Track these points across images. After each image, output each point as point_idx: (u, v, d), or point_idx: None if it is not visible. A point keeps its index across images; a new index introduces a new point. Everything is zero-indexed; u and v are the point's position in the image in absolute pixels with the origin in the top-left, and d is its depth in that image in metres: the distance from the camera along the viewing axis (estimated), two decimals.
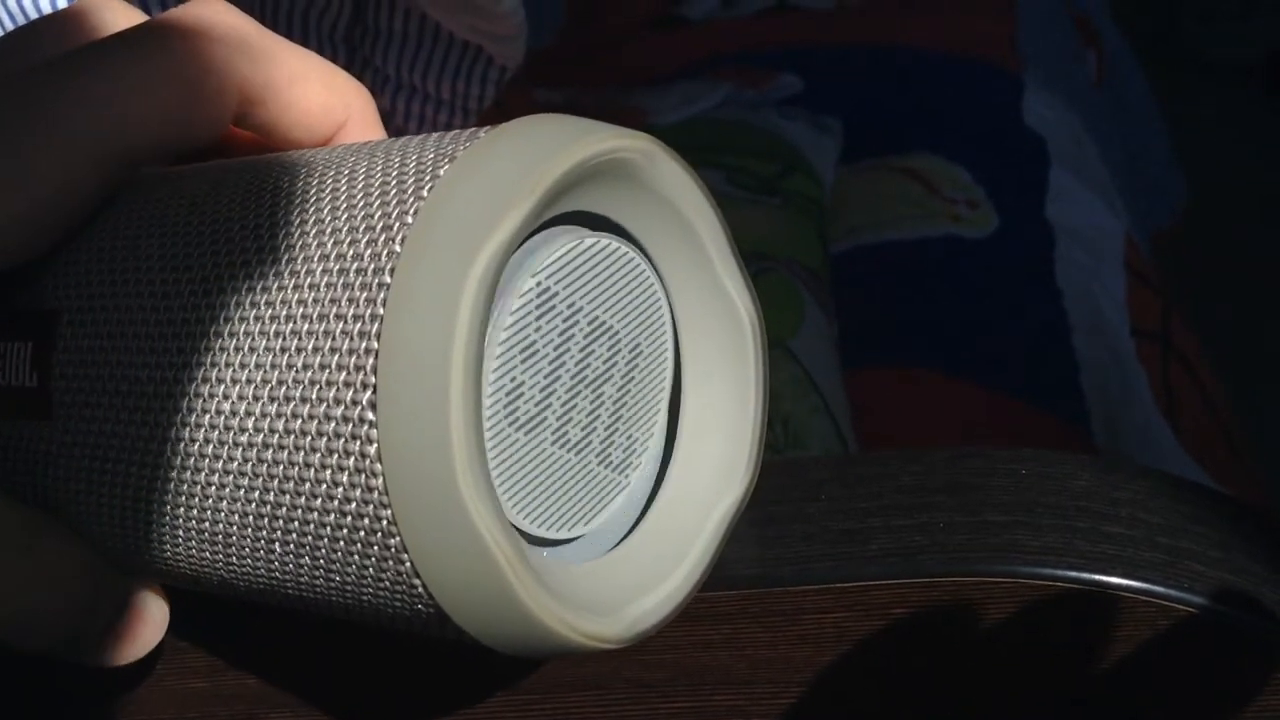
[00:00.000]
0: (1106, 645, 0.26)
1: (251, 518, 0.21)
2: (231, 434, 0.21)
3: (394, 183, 0.21)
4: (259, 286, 0.21)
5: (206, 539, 0.22)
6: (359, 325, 0.20)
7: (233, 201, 0.23)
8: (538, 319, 0.21)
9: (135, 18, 0.26)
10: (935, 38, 0.95)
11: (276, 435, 0.20)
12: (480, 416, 0.19)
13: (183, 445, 0.22)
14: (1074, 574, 0.26)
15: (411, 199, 0.20)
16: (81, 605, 0.24)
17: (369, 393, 0.19)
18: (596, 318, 0.22)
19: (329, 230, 0.21)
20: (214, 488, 0.21)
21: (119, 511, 0.23)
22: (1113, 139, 1.02)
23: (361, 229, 0.20)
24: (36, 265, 0.24)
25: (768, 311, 0.24)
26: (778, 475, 0.28)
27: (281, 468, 0.20)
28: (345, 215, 0.21)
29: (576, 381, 0.22)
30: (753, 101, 0.86)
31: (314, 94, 0.25)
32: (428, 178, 0.20)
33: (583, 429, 0.22)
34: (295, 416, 0.20)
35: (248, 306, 0.21)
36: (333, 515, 0.20)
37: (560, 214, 0.21)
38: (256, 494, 0.21)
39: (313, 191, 0.22)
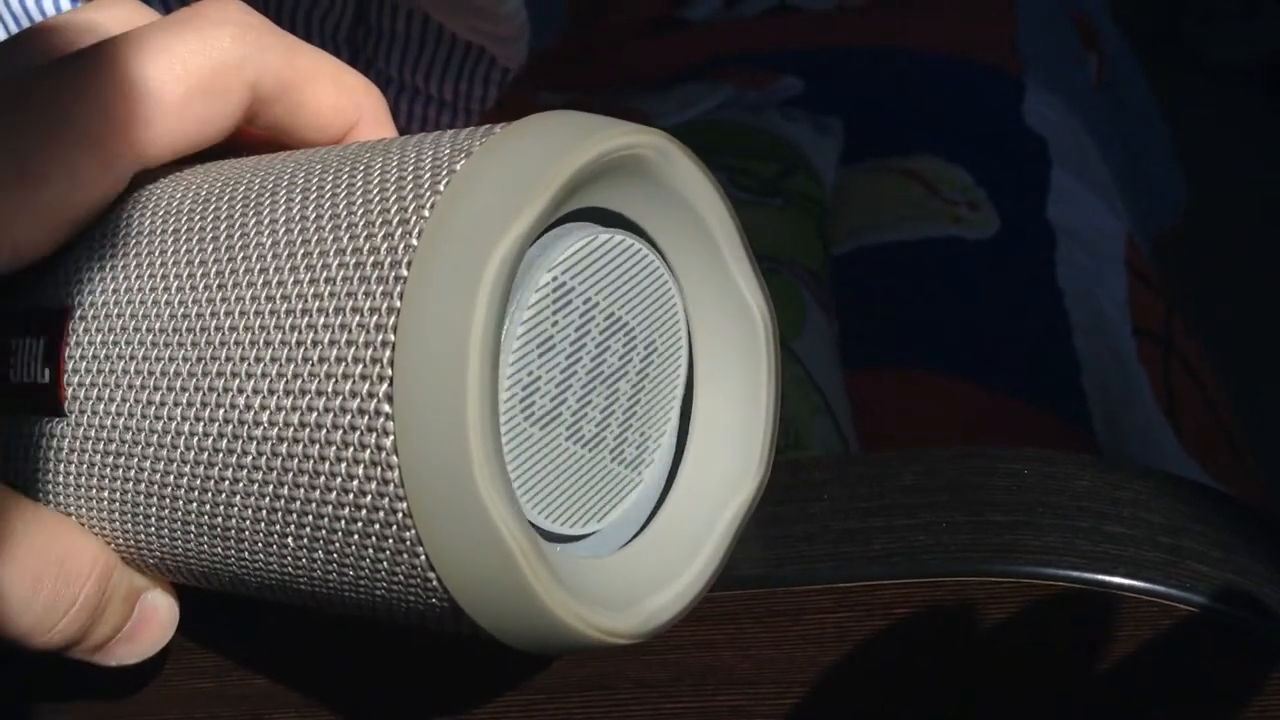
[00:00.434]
0: (1108, 645, 0.26)
1: (265, 511, 0.21)
2: (246, 428, 0.21)
3: (410, 177, 0.21)
4: (274, 280, 0.21)
5: (219, 534, 0.22)
6: (375, 318, 0.20)
7: (246, 197, 0.23)
8: (554, 313, 0.21)
9: (148, 16, 0.26)
10: (936, 39, 0.95)
11: (291, 428, 0.20)
12: (497, 410, 0.19)
13: (196, 440, 0.22)
14: (1076, 574, 0.26)
15: (428, 193, 0.20)
16: (91, 604, 0.24)
17: (385, 385, 0.19)
18: (612, 313, 0.22)
19: (345, 224, 0.21)
20: (227, 482, 0.21)
21: (131, 507, 0.23)
22: (1114, 140, 1.02)
23: (378, 223, 0.20)
24: (48, 263, 0.24)
25: None
26: (780, 475, 0.28)
27: (296, 461, 0.20)
28: (361, 209, 0.21)
29: (592, 377, 0.22)
30: (754, 103, 0.86)
31: (325, 93, 0.25)
32: (444, 172, 0.20)
33: (597, 425, 0.22)
34: (311, 409, 0.20)
35: (263, 300, 0.21)
36: (348, 508, 0.20)
37: (575, 210, 0.21)
38: (271, 487, 0.21)
39: (328, 186, 0.22)
